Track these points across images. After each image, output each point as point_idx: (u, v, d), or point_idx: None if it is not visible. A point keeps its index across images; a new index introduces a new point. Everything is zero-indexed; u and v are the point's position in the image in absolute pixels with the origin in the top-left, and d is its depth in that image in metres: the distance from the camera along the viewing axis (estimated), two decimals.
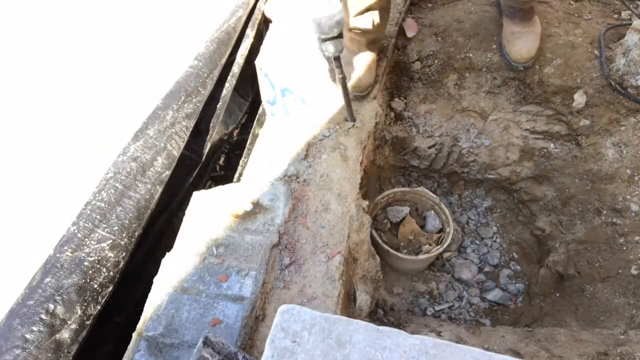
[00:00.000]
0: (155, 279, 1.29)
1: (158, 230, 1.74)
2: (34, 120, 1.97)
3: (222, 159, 2.23)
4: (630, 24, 1.84)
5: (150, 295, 1.26)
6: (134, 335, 1.18)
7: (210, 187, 2.08)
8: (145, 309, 1.23)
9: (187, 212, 1.44)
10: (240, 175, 1.84)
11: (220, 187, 1.53)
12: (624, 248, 1.73)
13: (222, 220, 1.39)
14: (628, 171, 1.84)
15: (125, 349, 1.17)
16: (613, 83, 1.84)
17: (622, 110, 1.87)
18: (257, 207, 1.41)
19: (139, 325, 1.20)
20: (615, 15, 2.09)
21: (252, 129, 2.05)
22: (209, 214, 1.41)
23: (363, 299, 1.45)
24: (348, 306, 1.41)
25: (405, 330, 0.82)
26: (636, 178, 1.81)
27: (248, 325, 1.17)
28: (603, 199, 1.87)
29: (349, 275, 1.42)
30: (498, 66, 2.00)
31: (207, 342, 0.93)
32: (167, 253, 1.35)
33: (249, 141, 1.99)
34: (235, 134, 2.29)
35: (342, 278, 1.29)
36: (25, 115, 1.99)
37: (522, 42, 1.81)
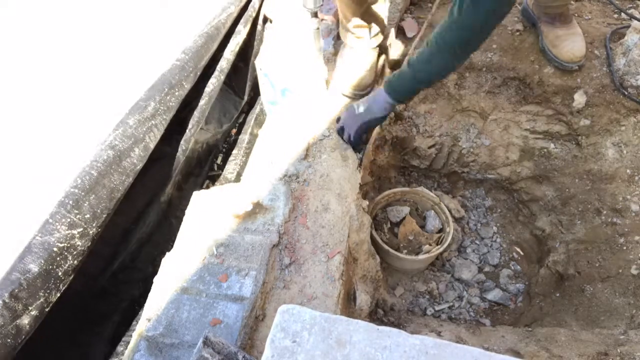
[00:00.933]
0: (155, 279, 1.29)
1: (150, 227, 1.72)
2: (27, 111, 1.96)
3: (219, 158, 2.23)
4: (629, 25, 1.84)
5: (150, 295, 1.26)
6: (134, 335, 1.18)
7: (208, 186, 2.07)
8: (145, 308, 1.23)
9: (187, 211, 1.44)
10: (240, 175, 1.84)
11: (220, 187, 1.53)
12: (624, 248, 1.73)
13: (222, 220, 1.39)
14: (628, 171, 1.84)
15: (125, 348, 1.17)
16: (617, 84, 1.85)
17: (622, 110, 1.87)
18: (257, 207, 1.41)
19: (139, 325, 1.20)
20: (615, 15, 2.09)
21: (250, 128, 2.04)
22: (208, 213, 1.41)
23: (363, 299, 1.45)
24: (348, 306, 1.41)
25: (405, 330, 0.82)
26: (636, 178, 1.81)
27: (248, 325, 1.17)
28: (603, 199, 1.87)
29: (349, 275, 1.42)
30: (498, 66, 2.01)
31: (207, 342, 0.93)
32: (166, 253, 1.35)
33: (246, 140, 1.98)
34: (233, 133, 2.29)
35: (342, 278, 1.29)
36: (15, 105, 1.98)
37: (571, 43, 1.87)
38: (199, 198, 1.47)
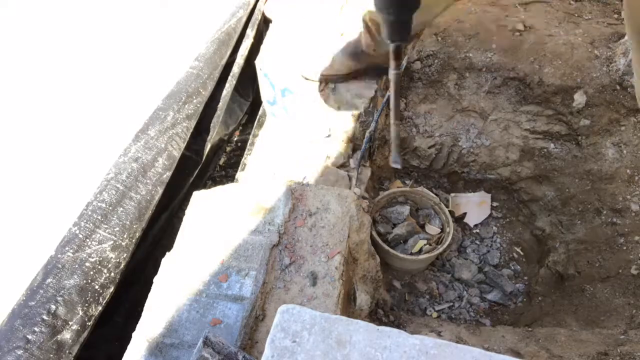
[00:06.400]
0: (155, 279, 1.29)
1: (159, 230, 1.74)
2: (34, 119, 1.97)
3: (222, 159, 2.23)
4: None
5: (150, 295, 1.26)
6: (134, 335, 1.18)
7: (210, 187, 2.08)
8: (145, 309, 1.23)
9: (187, 212, 1.44)
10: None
11: (220, 187, 1.53)
12: (624, 248, 1.73)
13: (222, 220, 1.39)
14: (628, 171, 1.84)
15: (125, 349, 1.17)
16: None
17: (622, 110, 1.87)
18: (257, 207, 1.41)
19: (139, 326, 1.20)
20: (615, 15, 2.09)
21: (252, 130, 2.05)
22: (208, 213, 1.41)
23: (363, 299, 1.45)
24: (348, 306, 1.41)
25: (405, 330, 0.82)
26: (636, 178, 1.81)
27: (248, 325, 1.17)
28: (603, 199, 1.87)
29: (349, 275, 1.42)
30: (498, 66, 2.01)
31: (207, 342, 0.93)
32: (167, 253, 1.35)
33: (249, 141, 1.99)
34: (236, 135, 2.30)
35: (342, 278, 1.29)
36: (26, 114, 1.99)
37: None
38: (199, 198, 1.47)
